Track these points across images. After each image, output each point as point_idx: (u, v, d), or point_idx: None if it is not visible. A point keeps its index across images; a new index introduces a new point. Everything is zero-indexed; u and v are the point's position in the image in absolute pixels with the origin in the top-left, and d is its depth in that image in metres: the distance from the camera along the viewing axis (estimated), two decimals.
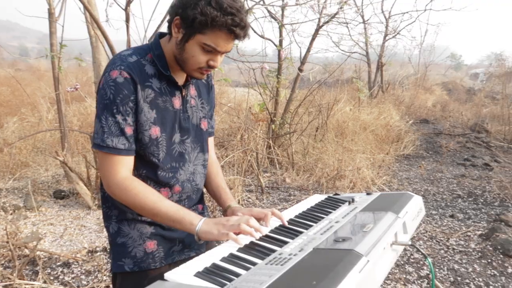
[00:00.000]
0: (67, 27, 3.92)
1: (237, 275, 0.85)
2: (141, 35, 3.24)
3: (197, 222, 1.08)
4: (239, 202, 3.02)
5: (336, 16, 5.84)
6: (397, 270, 2.90)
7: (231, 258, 0.95)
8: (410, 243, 1.05)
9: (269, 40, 5.28)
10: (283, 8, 5.30)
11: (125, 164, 1.13)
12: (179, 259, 1.29)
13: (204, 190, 1.43)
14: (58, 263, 2.87)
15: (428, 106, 12.37)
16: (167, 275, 0.86)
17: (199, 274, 0.87)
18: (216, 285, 0.81)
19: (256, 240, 1.05)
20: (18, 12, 4.02)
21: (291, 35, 5.89)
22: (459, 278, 2.81)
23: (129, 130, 1.12)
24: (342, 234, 1.02)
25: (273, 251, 0.96)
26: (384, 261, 0.96)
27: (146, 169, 1.20)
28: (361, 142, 6.25)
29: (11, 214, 3.73)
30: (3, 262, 2.79)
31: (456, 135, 8.33)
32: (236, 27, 1.06)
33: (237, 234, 1.05)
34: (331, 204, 1.37)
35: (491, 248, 3.24)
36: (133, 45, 3.05)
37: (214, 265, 0.91)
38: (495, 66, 13.46)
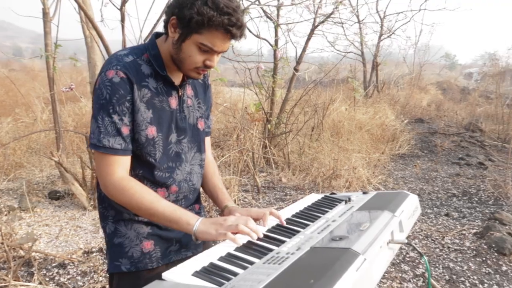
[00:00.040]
0: (61, 27, 3.89)
1: (235, 274, 0.85)
2: (136, 35, 3.23)
3: (194, 222, 1.08)
4: (235, 202, 3.02)
5: (331, 16, 5.86)
6: (393, 269, 2.91)
7: (229, 258, 0.95)
8: (406, 241, 1.05)
9: (265, 40, 5.28)
10: (278, 8, 5.31)
11: (121, 164, 1.13)
12: (176, 259, 1.29)
13: (201, 190, 1.43)
14: (54, 264, 2.85)
15: (423, 106, 12.44)
16: (165, 274, 0.86)
17: (197, 274, 0.87)
18: (214, 285, 0.81)
19: (254, 239, 1.05)
20: (12, 11, 3.99)
21: (287, 35, 5.89)
22: (454, 276, 2.83)
23: (125, 130, 1.12)
24: (339, 233, 1.02)
25: (271, 250, 0.97)
26: (380, 260, 0.97)
27: (143, 169, 1.20)
28: (357, 142, 6.27)
29: (5, 215, 3.70)
30: None
31: (450, 134, 8.38)
32: (232, 27, 1.06)
33: (234, 233, 1.05)
34: (328, 203, 1.38)
35: (485, 247, 3.27)
36: (128, 45, 3.05)
37: (212, 265, 0.91)
38: (489, 66, 13.54)
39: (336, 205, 1.34)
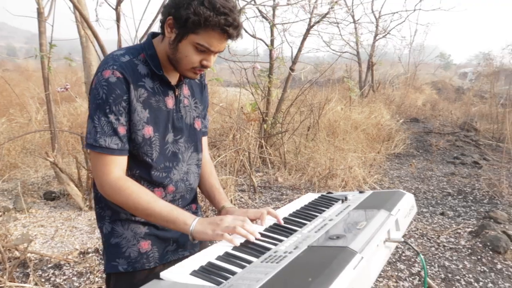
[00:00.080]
0: (56, 26, 3.87)
1: (233, 273, 0.85)
2: (132, 35, 3.22)
3: (191, 222, 1.08)
4: (231, 202, 3.02)
5: (327, 16, 5.87)
6: (389, 268, 2.92)
7: (227, 257, 0.95)
8: (402, 240, 1.06)
9: (261, 39, 5.29)
10: (274, 8, 5.31)
11: (118, 164, 1.13)
12: (173, 259, 1.29)
13: (198, 190, 1.43)
14: (49, 265, 2.84)
15: (418, 105, 12.49)
16: (163, 274, 0.86)
17: (195, 273, 0.87)
18: (212, 284, 0.81)
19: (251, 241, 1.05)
20: (6, 11, 3.96)
21: (282, 34, 5.91)
22: (449, 275, 2.85)
23: (122, 130, 1.11)
24: (336, 231, 1.03)
25: (268, 249, 0.97)
26: (377, 258, 0.97)
27: (140, 169, 1.20)
28: (353, 141, 6.30)
29: (0, 216, 3.67)
30: None
31: (445, 134, 8.43)
32: (229, 27, 1.07)
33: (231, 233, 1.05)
34: (325, 202, 1.38)
35: (480, 245, 3.29)
36: (124, 45, 3.04)
37: (210, 264, 0.91)
38: (483, 66, 13.64)
39: (333, 204, 1.35)
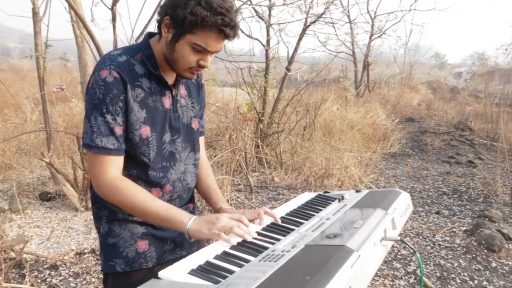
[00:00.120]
0: (51, 26, 3.85)
1: (231, 272, 0.85)
2: (128, 35, 3.22)
3: (187, 221, 1.09)
4: (228, 202, 3.03)
5: (323, 16, 5.88)
6: (385, 267, 2.94)
7: (225, 256, 0.95)
8: (399, 238, 1.07)
9: (257, 39, 5.29)
10: (270, 8, 5.32)
11: (114, 164, 1.13)
12: (170, 259, 1.29)
13: (195, 190, 1.44)
14: (45, 266, 2.83)
15: (413, 105, 12.55)
16: (161, 273, 0.86)
17: (193, 272, 0.87)
18: (210, 282, 0.81)
19: (248, 240, 1.06)
20: (1, 11, 3.94)
21: (278, 35, 5.91)
22: (445, 273, 2.87)
23: (118, 130, 1.11)
24: (333, 230, 1.03)
25: (266, 248, 0.97)
26: (374, 256, 0.98)
27: (137, 169, 1.20)
28: (349, 141, 6.32)
29: None
30: None
31: (441, 133, 8.48)
32: (226, 27, 1.07)
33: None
34: (321, 201, 1.39)
35: (475, 244, 3.31)
36: (120, 44, 3.03)
37: (208, 263, 0.91)
38: (478, 65, 13.71)
39: (330, 203, 1.35)
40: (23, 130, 5.86)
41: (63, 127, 6.31)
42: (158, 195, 1.23)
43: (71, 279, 2.69)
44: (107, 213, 1.23)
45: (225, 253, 0.97)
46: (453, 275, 2.84)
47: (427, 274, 2.86)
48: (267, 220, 1.19)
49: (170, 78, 1.23)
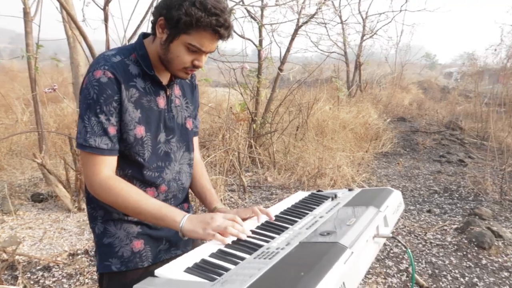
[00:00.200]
0: (42, 26, 3.82)
1: (227, 269, 0.87)
2: (120, 35, 3.21)
3: (180, 219, 1.09)
4: (221, 202, 3.03)
5: (315, 16, 5.91)
6: (378, 265, 2.97)
7: (220, 254, 0.96)
8: (391, 235, 1.09)
9: (249, 40, 5.30)
10: (262, 8, 5.33)
11: (108, 164, 1.13)
12: (166, 258, 1.29)
13: (189, 189, 1.44)
14: (38, 267, 2.81)
15: (404, 105, 12.66)
16: (157, 271, 0.87)
17: (189, 270, 0.88)
18: (206, 280, 0.82)
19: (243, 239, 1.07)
20: None
21: (271, 35, 5.93)
22: (436, 271, 2.91)
23: (112, 130, 1.12)
24: (326, 228, 1.05)
25: (261, 246, 0.99)
26: (367, 253, 1.00)
27: (132, 169, 1.20)
28: (341, 141, 6.36)
29: None
30: None
31: (432, 133, 8.56)
32: (220, 27, 1.08)
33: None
34: (315, 200, 1.41)
35: (466, 241, 3.36)
36: (112, 45, 3.03)
37: (204, 261, 0.93)
38: (468, 65, 13.87)
39: (323, 202, 1.37)
40: (14, 131, 5.80)
41: (54, 128, 6.26)
42: (153, 195, 1.24)
43: (64, 280, 2.67)
44: (102, 213, 1.23)
45: (220, 251, 0.98)
46: (444, 273, 2.88)
47: (419, 271, 2.90)
48: (261, 218, 1.21)
49: (165, 78, 1.24)
